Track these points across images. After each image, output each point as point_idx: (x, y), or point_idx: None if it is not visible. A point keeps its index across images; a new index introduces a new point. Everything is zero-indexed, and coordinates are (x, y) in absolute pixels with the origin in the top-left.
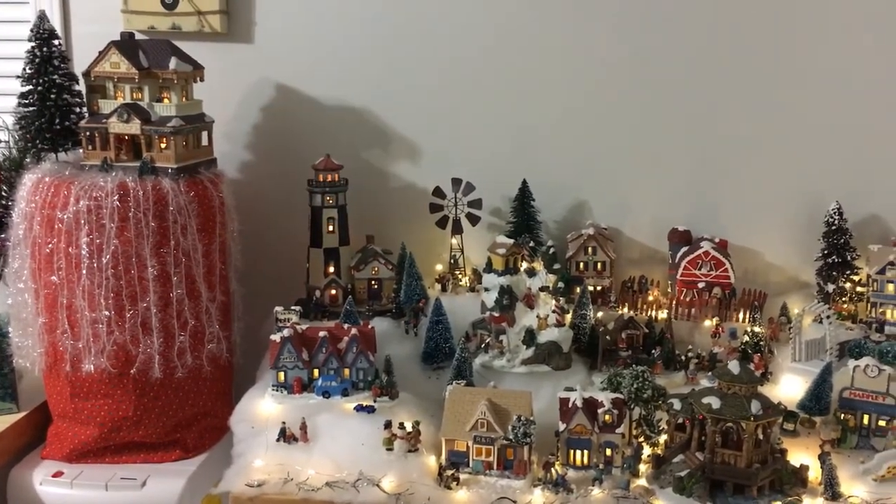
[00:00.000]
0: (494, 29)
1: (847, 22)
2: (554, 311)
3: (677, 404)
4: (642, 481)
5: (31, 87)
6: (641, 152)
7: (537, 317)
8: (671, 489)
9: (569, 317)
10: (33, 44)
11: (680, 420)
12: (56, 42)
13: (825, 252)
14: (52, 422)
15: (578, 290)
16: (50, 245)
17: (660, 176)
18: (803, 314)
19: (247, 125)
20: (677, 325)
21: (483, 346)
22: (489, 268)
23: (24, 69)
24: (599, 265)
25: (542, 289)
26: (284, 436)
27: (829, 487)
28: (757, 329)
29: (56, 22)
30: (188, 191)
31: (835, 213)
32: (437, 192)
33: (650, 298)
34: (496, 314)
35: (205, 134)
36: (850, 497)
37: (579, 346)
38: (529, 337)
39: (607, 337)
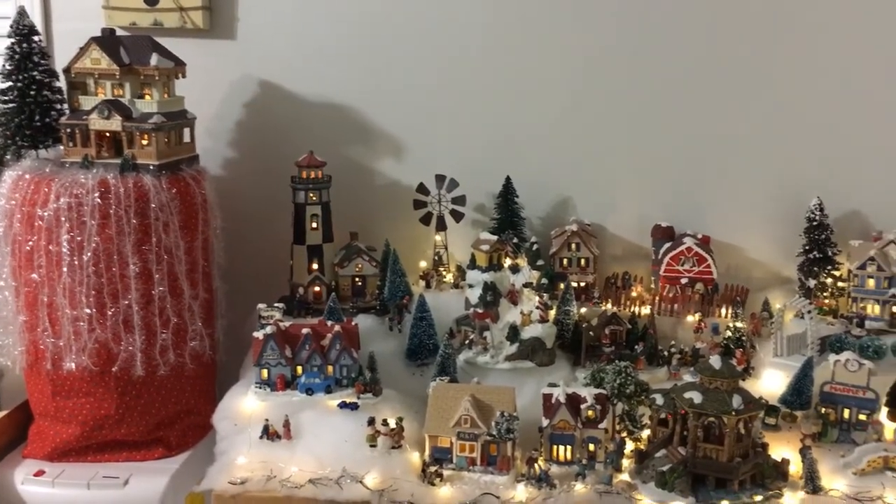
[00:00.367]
0: (479, 27)
1: (826, 22)
2: (537, 308)
3: (660, 399)
4: (625, 476)
5: (10, 83)
6: (625, 149)
7: (521, 313)
8: (653, 484)
9: (552, 313)
10: (13, 40)
11: (662, 415)
12: (36, 38)
13: (806, 248)
14: (33, 420)
15: (562, 286)
16: (30, 243)
17: (643, 173)
18: (785, 309)
19: (229, 122)
20: (660, 320)
21: (467, 342)
22: (473, 264)
23: (4, 65)
24: (583, 261)
25: (525, 285)
26: (267, 433)
27: (809, 481)
28: (739, 324)
29: (37, 18)
30: (170, 188)
31: (816, 208)
32: (421, 188)
33: (633, 294)
34: (480, 310)
35: (187, 130)
36: (830, 490)
37: (563, 342)
38: (513, 333)
39: (591, 333)
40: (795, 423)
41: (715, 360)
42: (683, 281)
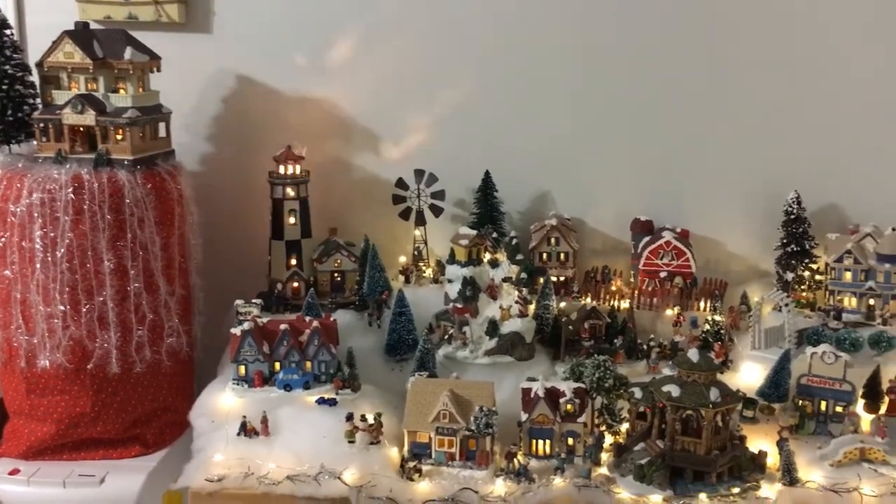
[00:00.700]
0: (458, 22)
1: (807, 17)
2: (517, 302)
3: (638, 393)
4: (604, 470)
5: None
6: (604, 144)
7: (500, 308)
8: (632, 477)
9: (532, 307)
10: None
11: (641, 408)
12: (8, 31)
13: (784, 241)
14: (7, 419)
15: (541, 280)
16: (2, 239)
17: (622, 167)
18: (763, 302)
19: (206, 116)
20: (639, 314)
21: (446, 337)
22: (452, 259)
23: None
24: (562, 255)
25: (505, 280)
26: (245, 430)
27: (786, 473)
28: (717, 318)
29: (9, 11)
30: (145, 183)
31: (793, 202)
32: (400, 183)
33: (613, 288)
34: (459, 305)
35: (162, 125)
36: (807, 482)
37: (542, 337)
38: (492, 328)
39: (570, 327)
40: (773, 416)
41: (693, 354)
42: (662, 275)
